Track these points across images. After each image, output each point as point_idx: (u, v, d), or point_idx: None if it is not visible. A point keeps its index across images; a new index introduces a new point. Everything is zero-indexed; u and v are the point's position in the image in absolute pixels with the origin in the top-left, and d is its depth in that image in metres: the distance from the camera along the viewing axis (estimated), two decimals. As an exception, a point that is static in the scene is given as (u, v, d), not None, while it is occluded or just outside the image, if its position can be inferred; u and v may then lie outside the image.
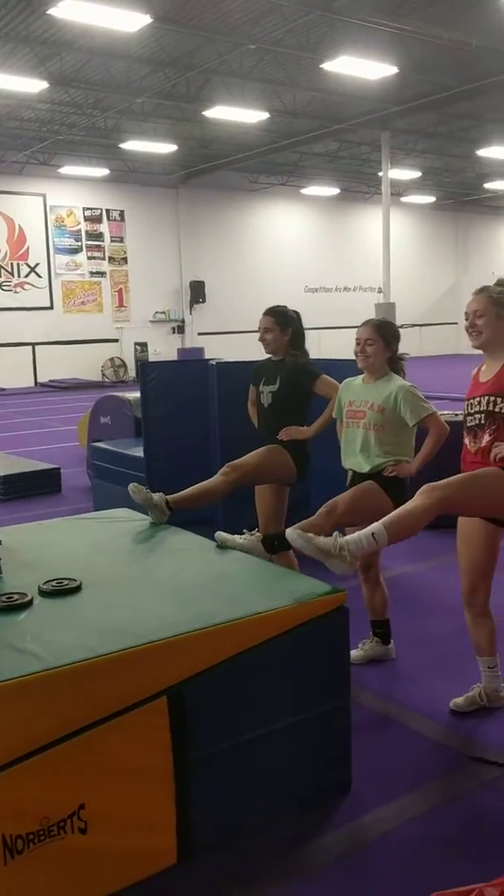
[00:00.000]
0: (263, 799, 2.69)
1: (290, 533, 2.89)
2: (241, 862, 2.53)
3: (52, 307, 23.02)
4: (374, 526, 2.90)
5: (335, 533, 2.87)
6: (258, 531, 3.55)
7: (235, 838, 2.60)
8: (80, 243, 23.48)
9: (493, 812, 2.76)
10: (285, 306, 4.45)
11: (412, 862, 2.52)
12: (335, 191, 26.68)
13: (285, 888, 2.42)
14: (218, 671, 2.50)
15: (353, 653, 3.79)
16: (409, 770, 3.03)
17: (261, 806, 2.69)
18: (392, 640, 4.03)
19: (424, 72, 14.65)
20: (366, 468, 3.73)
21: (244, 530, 3.54)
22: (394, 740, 3.27)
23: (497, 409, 3.16)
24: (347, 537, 2.87)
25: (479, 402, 3.22)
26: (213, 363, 5.63)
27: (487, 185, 26.80)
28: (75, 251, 23.42)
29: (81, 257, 23.54)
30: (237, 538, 3.45)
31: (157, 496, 3.76)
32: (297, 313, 4.45)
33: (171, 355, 22.71)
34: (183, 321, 25.37)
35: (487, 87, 15.45)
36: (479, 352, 3.32)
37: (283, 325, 4.35)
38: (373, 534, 2.87)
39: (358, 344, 3.82)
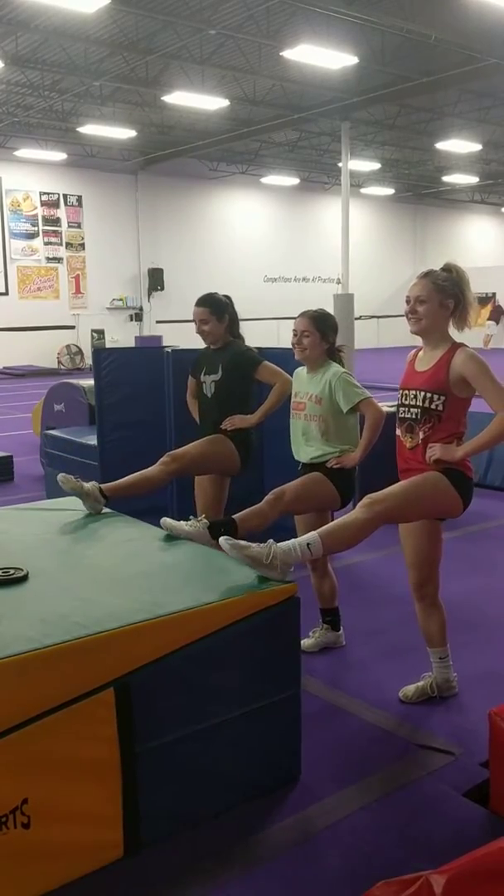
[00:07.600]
0: (212, 790, 2.67)
1: (222, 542, 2.81)
2: (190, 854, 2.51)
3: (7, 293, 22.62)
4: (310, 535, 2.88)
5: (269, 541, 2.80)
6: (204, 517, 3.50)
7: (184, 830, 2.58)
8: (36, 228, 23.10)
9: (440, 800, 2.77)
10: (216, 293, 4.32)
11: (360, 851, 2.53)
12: (295, 181, 26.65)
13: (234, 879, 2.40)
14: (166, 662, 2.47)
15: (304, 641, 3.79)
16: (357, 759, 3.04)
17: (209, 797, 2.67)
18: (342, 628, 4.05)
19: (385, 63, 14.66)
20: (308, 458, 3.74)
21: (190, 517, 3.49)
22: (342, 729, 3.27)
23: (433, 407, 3.11)
24: (281, 545, 2.79)
25: (416, 397, 3.17)
26: (168, 350, 5.58)
27: (445, 179, 27.01)
28: (31, 236, 23.04)
29: (38, 242, 23.16)
30: (183, 524, 3.37)
31: (89, 485, 3.66)
32: (228, 297, 4.32)
33: (129, 343, 22.49)
34: (141, 309, 25.15)
35: (446, 81, 15.54)
36: None
37: (219, 313, 4.26)
38: (308, 544, 2.84)
39: (295, 335, 3.80)
